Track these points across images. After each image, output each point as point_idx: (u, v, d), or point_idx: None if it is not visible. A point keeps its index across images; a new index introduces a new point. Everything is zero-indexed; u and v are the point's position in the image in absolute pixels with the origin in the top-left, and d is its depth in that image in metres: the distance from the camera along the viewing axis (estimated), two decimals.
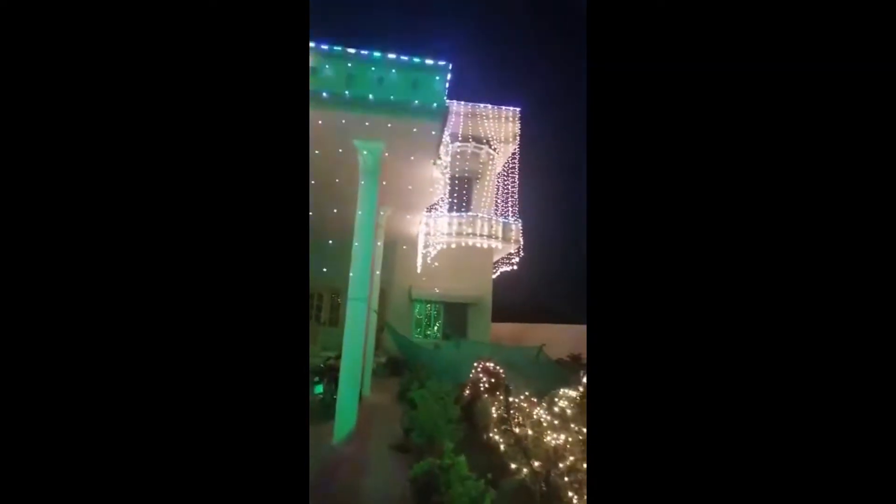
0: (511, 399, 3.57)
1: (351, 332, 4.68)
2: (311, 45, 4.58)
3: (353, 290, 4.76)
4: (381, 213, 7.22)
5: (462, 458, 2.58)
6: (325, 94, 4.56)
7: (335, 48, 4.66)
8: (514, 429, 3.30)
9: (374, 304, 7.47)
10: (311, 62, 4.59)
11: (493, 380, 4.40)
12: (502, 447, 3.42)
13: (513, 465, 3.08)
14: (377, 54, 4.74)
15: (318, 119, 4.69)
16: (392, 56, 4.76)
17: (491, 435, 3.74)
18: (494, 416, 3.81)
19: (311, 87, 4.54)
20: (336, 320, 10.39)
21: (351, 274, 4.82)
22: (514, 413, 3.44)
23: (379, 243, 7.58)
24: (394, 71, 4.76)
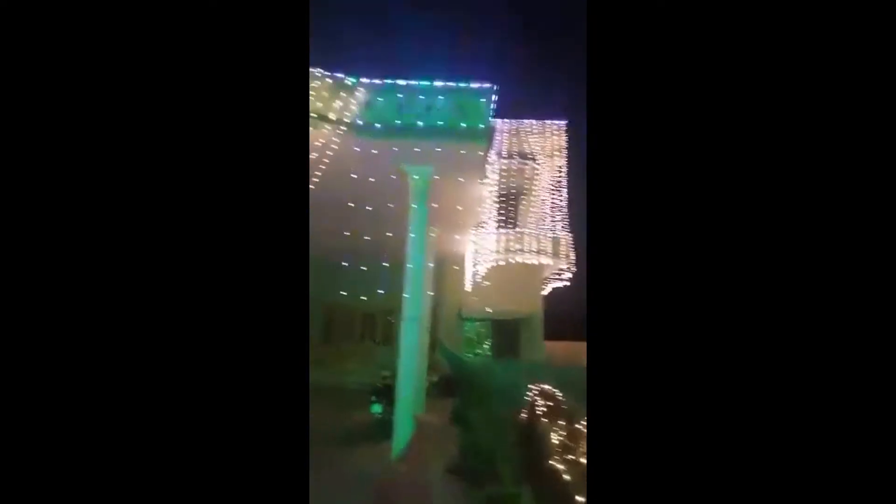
0: (575, 425, 3.41)
1: (405, 351, 4.76)
2: (365, 80, 4.87)
3: (407, 310, 4.86)
4: (432, 234, 7.36)
5: (523, 489, 2.49)
6: (377, 125, 4.80)
7: (386, 81, 4.92)
8: (579, 458, 3.14)
9: (426, 323, 7.56)
10: (365, 96, 4.88)
11: (550, 403, 4.24)
12: (567, 477, 3.26)
13: (579, 498, 2.92)
14: (425, 83, 4.94)
15: (371, 148, 4.94)
16: (439, 83, 4.94)
17: (552, 463, 3.59)
18: (556, 442, 3.66)
19: (365, 118, 4.82)
20: (390, 339, 10.60)
21: (405, 294, 4.94)
22: (579, 440, 3.28)
23: (430, 263, 7.71)
24: (441, 97, 4.92)
